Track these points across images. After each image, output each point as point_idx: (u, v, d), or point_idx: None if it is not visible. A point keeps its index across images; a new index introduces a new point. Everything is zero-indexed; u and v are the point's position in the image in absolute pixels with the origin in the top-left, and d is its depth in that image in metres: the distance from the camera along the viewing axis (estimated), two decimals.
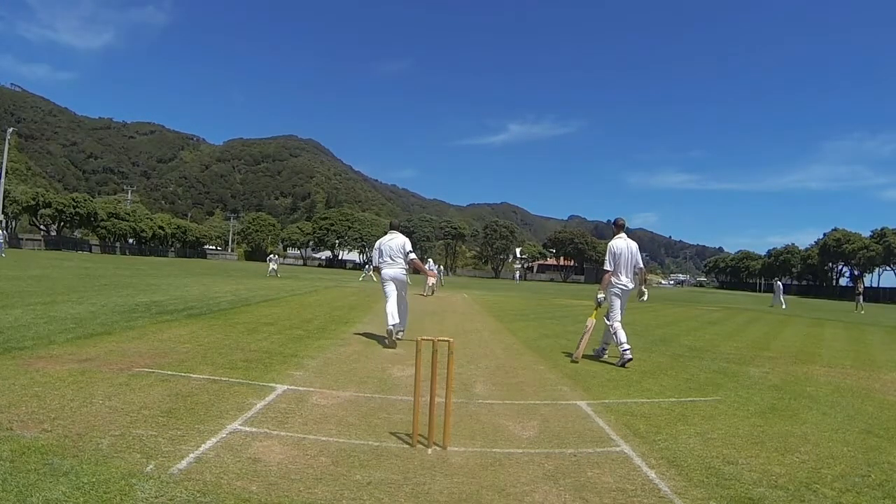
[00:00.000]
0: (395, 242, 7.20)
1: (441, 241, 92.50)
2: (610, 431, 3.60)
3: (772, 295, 30.82)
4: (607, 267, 6.56)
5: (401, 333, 7.25)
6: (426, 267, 22.19)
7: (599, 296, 6.58)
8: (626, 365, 6.16)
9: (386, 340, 6.90)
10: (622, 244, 6.55)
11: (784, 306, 26.49)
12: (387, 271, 7.15)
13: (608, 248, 6.67)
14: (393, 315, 6.93)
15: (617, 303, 6.53)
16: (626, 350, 6.25)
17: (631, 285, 6.58)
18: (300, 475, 2.59)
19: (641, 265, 6.77)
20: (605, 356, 6.63)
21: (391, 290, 7.12)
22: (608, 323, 6.55)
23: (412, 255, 7.21)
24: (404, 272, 7.26)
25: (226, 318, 8.45)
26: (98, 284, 13.52)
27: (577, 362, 6.33)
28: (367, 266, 31.90)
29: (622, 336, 6.31)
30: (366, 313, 10.76)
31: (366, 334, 7.77)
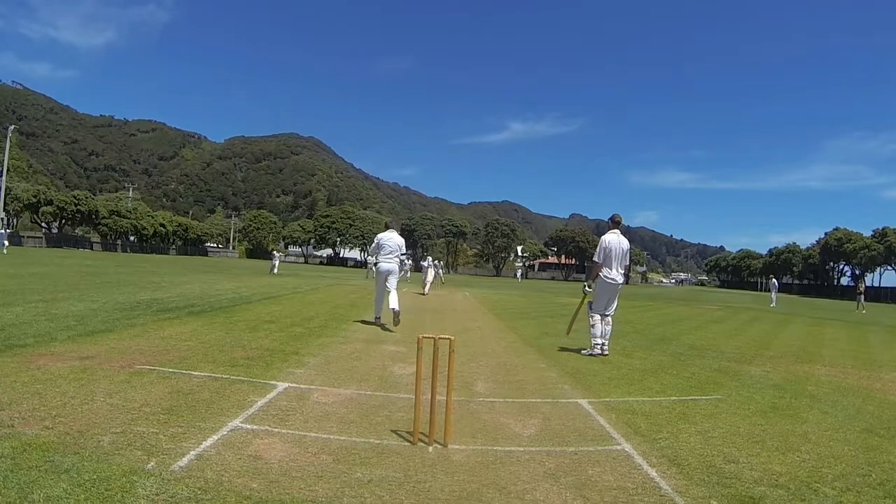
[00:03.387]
0: (394, 241, 8.45)
1: (442, 240, 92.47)
2: (611, 430, 3.60)
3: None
4: (596, 259, 6.79)
5: (396, 311, 8.16)
6: (424, 265, 22.37)
7: (586, 285, 6.95)
8: (591, 355, 6.51)
9: (376, 320, 8.54)
10: (614, 239, 6.75)
11: (774, 304, 26.43)
12: (383, 265, 8.42)
13: (600, 241, 6.89)
14: (379, 308, 8.56)
15: (602, 295, 6.76)
16: (597, 344, 6.56)
17: (620, 280, 6.80)
18: (301, 473, 2.59)
19: (628, 263, 7.06)
20: (606, 351, 6.65)
21: (382, 282, 8.48)
22: (589, 313, 6.79)
23: (406, 261, 8.32)
24: (397, 266, 8.60)
25: (227, 316, 8.46)
26: (99, 282, 13.54)
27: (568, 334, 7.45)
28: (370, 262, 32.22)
29: (598, 330, 6.61)
30: (367, 311, 10.75)
31: (367, 332, 7.78)
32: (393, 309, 8.16)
